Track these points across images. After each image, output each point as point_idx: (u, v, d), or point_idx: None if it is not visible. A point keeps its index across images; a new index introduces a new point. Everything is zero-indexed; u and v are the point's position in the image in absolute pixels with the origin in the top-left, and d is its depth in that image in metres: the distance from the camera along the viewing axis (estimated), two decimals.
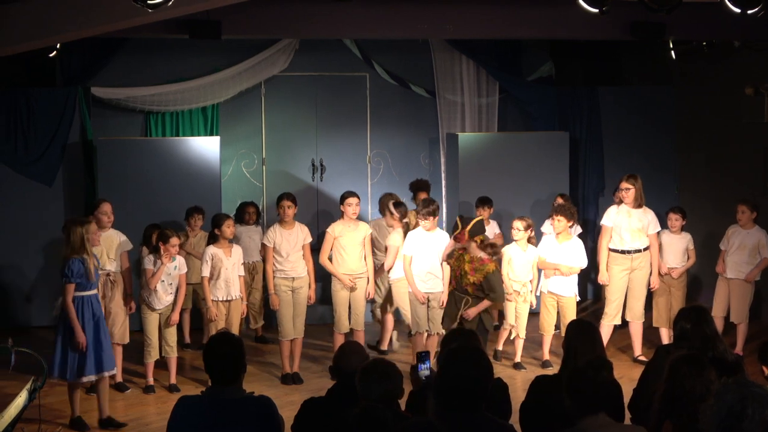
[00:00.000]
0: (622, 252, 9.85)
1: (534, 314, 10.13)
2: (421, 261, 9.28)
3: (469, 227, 8.83)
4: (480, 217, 9.32)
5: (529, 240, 9.75)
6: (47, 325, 11.72)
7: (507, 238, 10.50)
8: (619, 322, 10.00)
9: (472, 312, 8.80)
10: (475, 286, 8.80)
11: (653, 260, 9.92)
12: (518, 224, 9.72)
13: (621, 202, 9.91)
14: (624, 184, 9.84)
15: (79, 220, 8.24)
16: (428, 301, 9.26)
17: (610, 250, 9.89)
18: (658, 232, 9.94)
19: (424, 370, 5.39)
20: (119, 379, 9.18)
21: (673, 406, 4.81)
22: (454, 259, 8.92)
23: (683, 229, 10.21)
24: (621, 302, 9.93)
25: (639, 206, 9.84)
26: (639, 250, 9.84)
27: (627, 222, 9.82)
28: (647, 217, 9.86)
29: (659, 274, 10.03)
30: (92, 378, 8.06)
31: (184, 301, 10.24)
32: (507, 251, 9.77)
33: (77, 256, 7.89)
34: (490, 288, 8.71)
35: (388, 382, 4.87)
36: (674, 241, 10.13)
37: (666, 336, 9.88)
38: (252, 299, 10.66)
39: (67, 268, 7.88)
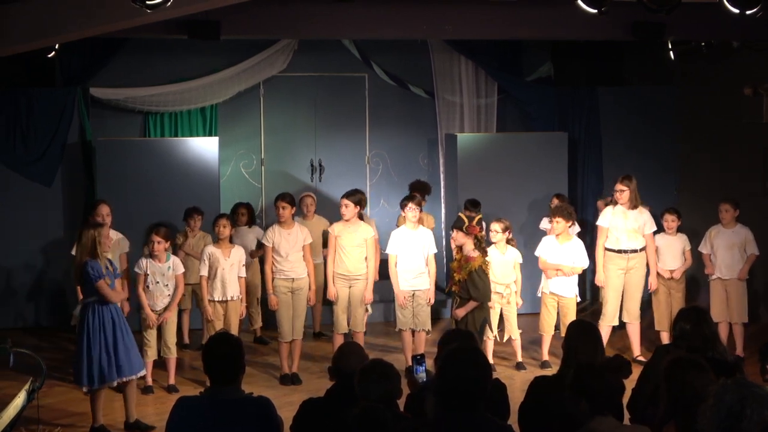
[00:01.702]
0: (618, 251, 9.87)
1: (534, 315, 10.14)
2: (406, 259, 9.41)
3: (474, 222, 8.89)
4: (480, 216, 9.32)
5: (508, 241, 9.72)
6: (46, 325, 11.73)
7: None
8: (617, 323, 10.01)
9: (460, 312, 8.80)
10: (460, 284, 8.81)
11: (650, 261, 9.94)
12: (496, 226, 9.66)
13: (615, 203, 9.95)
14: (619, 186, 9.87)
15: (91, 224, 8.18)
16: (414, 297, 9.42)
17: (607, 249, 9.92)
18: (654, 232, 9.96)
19: (421, 373, 5.40)
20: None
21: (676, 408, 4.81)
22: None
23: (679, 230, 10.20)
24: (618, 303, 9.95)
25: (634, 207, 9.87)
26: (635, 251, 9.86)
27: (623, 222, 9.84)
28: (643, 218, 9.89)
29: (660, 277, 10.04)
30: (121, 381, 7.97)
31: (184, 301, 10.26)
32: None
33: (91, 258, 7.79)
34: (473, 285, 8.69)
35: (387, 382, 4.88)
36: (671, 242, 10.12)
37: (667, 339, 9.87)
38: (249, 300, 10.63)
39: (90, 269, 7.73)
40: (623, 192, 9.82)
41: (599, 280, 9.96)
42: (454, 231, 8.90)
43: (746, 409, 3.36)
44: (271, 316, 10.01)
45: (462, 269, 8.77)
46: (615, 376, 4.98)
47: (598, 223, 10.10)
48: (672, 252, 10.09)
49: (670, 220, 10.12)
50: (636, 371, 6.05)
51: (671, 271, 10.02)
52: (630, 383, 6.02)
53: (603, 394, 4.67)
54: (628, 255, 9.87)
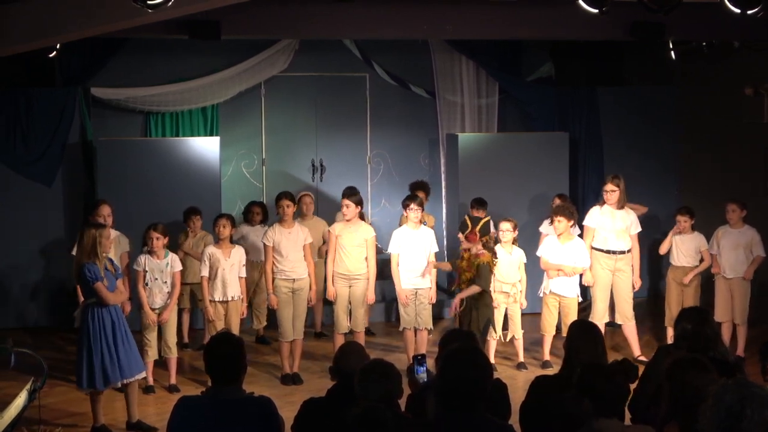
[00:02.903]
0: (606, 252, 9.88)
1: (535, 315, 10.13)
2: (408, 259, 9.42)
3: (478, 227, 8.90)
4: (487, 218, 9.32)
5: (513, 241, 9.73)
6: (47, 325, 11.73)
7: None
8: (607, 319, 10.01)
9: (460, 296, 8.78)
10: (467, 284, 8.81)
11: (634, 261, 9.99)
12: (507, 225, 9.65)
13: (603, 202, 9.98)
14: (609, 186, 9.88)
15: (94, 224, 8.14)
16: (416, 296, 9.44)
17: (595, 249, 9.92)
18: (638, 232, 9.99)
19: (422, 373, 5.39)
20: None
21: (677, 408, 4.80)
22: (457, 259, 8.93)
23: (693, 228, 10.16)
24: (606, 301, 9.97)
25: (621, 207, 9.89)
26: (623, 252, 9.89)
27: (611, 223, 9.86)
28: (630, 218, 9.92)
29: (674, 273, 10.05)
30: (123, 382, 7.95)
31: (183, 301, 10.26)
32: None
33: (89, 260, 7.77)
34: (478, 275, 8.70)
35: (387, 382, 4.87)
36: (686, 240, 10.09)
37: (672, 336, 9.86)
38: (258, 300, 10.65)
39: (87, 272, 7.69)
40: (614, 192, 9.84)
41: (587, 280, 9.96)
42: (460, 234, 8.91)
43: (746, 409, 3.36)
44: (272, 316, 10.01)
45: (471, 266, 8.76)
46: (621, 379, 4.99)
47: (584, 222, 10.10)
48: (685, 249, 10.07)
49: (682, 221, 10.08)
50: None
51: (685, 269, 10.02)
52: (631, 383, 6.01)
53: (607, 396, 4.66)
54: (615, 256, 9.88)
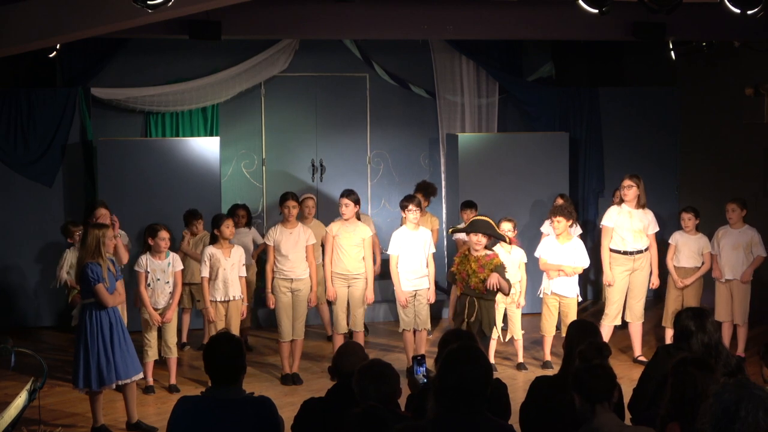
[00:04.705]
0: (624, 253, 9.84)
1: (535, 315, 10.12)
2: (407, 259, 9.42)
3: (500, 227, 8.93)
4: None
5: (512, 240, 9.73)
6: (47, 325, 11.74)
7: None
8: (619, 322, 9.99)
9: (493, 282, 8.54)
10: (484, 283, 8.76)
11: (653, 261, 9.93)
12: (507, 225, 9.63)
13: (621, 201, 9.92)
14: (626, 182, 9.82)
15: (98, 225, 8.13)
16: (415, 297, 9.45)
17: (612, 250, 9.88)
18: (657, 232, 9.97)
19: (421, 374, 5.39)
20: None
21: (679, 408, 4.80)
22: (458, 262, 8.86)
23: (698, 229, 10.15)
24: (621, 303, 9.93)
25: (641, 206, 9.85)
26: (640, 251, 9.84)
27: (629, 222, 9.81)
28: (647, 218, 9.87)
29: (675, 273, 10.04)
30: (118, 383, 7.91)
31: (183, 301, 10.25)
32: None
33: (92, 260, 7.76)
34: (504, 277, 8.68)
35: (385, 383, 4.87)
36: (689, 241, 10.07)
37: (671, 336, 9.83)
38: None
39: (90, 272, 7.68)
40: (631, 188, 9.77)
41: (608, 279, 9.93)
42: (479, 235, 8.68)
43: (741, 411, 3.36)
44: (271, 316, 10.01)
45: (485, 267, 8.70)
46: (597, 358, 5.02)
47: (603, 222, 10.05)
48: (688, 250, 10.05)
49: (687, 219, 10.05)
50: (636, 372, 6.06)
51: (682, 280, 9.99)
52: (631, 383, 6.02)
53: (598, 387, 4.67)
54: (633, 256, 9.84)
